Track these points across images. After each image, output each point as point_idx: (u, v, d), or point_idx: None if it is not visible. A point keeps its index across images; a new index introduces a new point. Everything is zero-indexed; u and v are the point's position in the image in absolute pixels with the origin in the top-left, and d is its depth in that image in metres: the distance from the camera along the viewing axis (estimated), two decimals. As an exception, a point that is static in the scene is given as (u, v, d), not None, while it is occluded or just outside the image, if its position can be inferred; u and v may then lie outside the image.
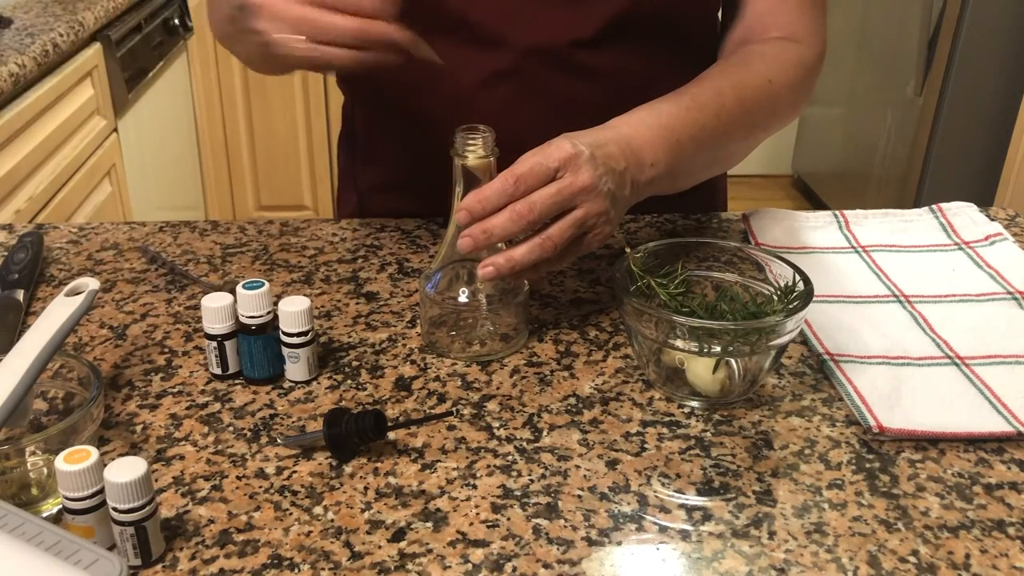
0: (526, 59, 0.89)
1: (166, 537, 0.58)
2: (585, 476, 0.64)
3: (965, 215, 0.98)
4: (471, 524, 0.60)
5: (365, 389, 0.73)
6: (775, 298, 0.72)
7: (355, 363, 0.77)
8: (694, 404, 0.71)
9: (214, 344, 0.73)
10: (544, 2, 0.88)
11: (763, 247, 0.91)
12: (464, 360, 0.77)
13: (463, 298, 0.77)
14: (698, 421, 0.70)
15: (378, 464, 0.65)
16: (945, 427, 0.68)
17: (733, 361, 0.69)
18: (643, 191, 0.78)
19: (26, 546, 0.47)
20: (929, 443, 0.68)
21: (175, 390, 0.73)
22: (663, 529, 0.60)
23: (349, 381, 0.74)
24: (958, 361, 0.75)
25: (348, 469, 0.65)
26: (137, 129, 2.20)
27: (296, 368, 0.73)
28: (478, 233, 0.72)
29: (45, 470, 0.62)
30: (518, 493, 0.62)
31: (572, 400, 0.72)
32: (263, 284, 0.72)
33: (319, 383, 0.74)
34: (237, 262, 0.93)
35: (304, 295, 0.84)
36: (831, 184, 3.36)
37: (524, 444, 0.67)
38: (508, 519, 0.60)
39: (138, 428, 0.69)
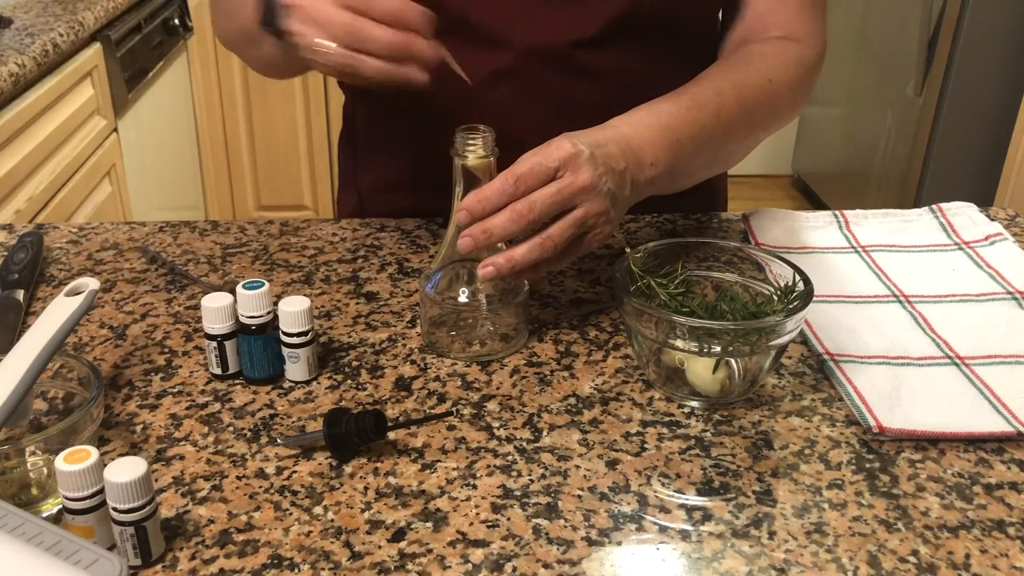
0: (526, 59, 0.89)
1: (166, 537, 0.58)
2: (585, 476, 0.64)
3: (965, 215, 0.98)
4: (471, 524, 0.60)
5: (365, 389, 0.73)
6: (775, 298, 0.72)
7: (355, 363, 0.77)
8: (694, 404, 0.71)
9: (214, 344, 0.73)
10: (544, 2, 0.88)
11: (763, 247, 0.91)
12: (464, 360, 0.77)
13: (463, 298, 0.77)
14: (698, 421, 0.70)
15: (378, 464, 0.65)
16: (945, 427, 0.68)
17: (733, 361, 0.69)
18: (643, 191, 0.78)
19: (26, 546, 0.47)
20: (929, 443, 0.68)
21: (175, 390, 0.73)
22: (663, 529, 0.60)
23: (349, 381, 0.74)
24: (958, 361, 0.75)
25: (348, 469, 0.65)
26: (137, 129, 2.20)
27: (296, 368, 0.73)
28: (478, 233, 0.72)
29: (45, 470, 0.62)
30: (518, 493, 0.62)
31: (572, 400, 0.72)
32: (263, 284, 0.72)
33: (319, 383, 0.74)
34: (237, 262, 0.93)
35: (304, 295, 0.84)
36: (831, 184, 3.36)
37: (524, 444, 0.67)
38: (508, 519, 0.60)
39: (138, 428, 0.69)
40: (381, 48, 0.71)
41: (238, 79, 2.82)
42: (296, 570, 0.56)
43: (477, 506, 0.61)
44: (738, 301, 0.73)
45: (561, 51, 0.89)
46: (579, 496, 0.62)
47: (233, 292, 0.72)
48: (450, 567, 0.57)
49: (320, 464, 0.65)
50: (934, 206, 1.00)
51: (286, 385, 0.74)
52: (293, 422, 0.70)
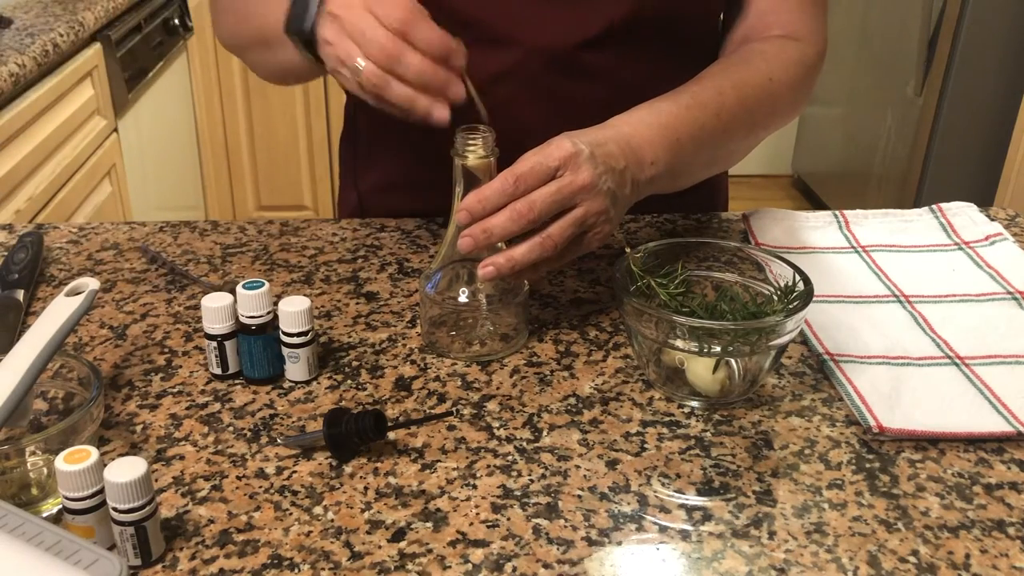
0: (529, 60, 0.89)
1: (166, 537, 0.58)
2: (585, 476, 0.64)
3: (965, 215, 0.98)
4: (471, 524, 0.60)
5: (365, 389, 0.73)
6: (775, 298, 0.72)
7: (355, 363, 0.77)
8: (694, 404, 0.71)
9: (214, 344, 0.73)
10: (548, 3, 0.88)
11: (763, 247, 0.91)
12: (464, 360, 0.77)
13: (463, 298, 0.77)
14: (698, 421, 0.70)
15: (378, 464, 0.65)
16: (945, 427, 0.68)
17: (733, 361, 0.69)
18: (643, 190, 0.78)
19: (26, 546, 0.47)
20: (929, 443, 0.67)
21: (175, 390, 0.73)
22: (663, 529, 0.60)
23: (349, 381, 0.74)
24: (958, 361, 0.75)
25: (348, 469, 0.65)
26: (137, 129, 2.20)
27: (296, 368, 0.73)
28: (478, 233, 0.72)
29: (45, 470, 0.62)
30: (518, 493, 0.62)
31: (572, 400, 0.72)
32: (263, 284, 0.72)
33: (319, 383, 0.74)
34: (237, 262, 0.93)
35: (304, 295, 0.84)
36: (831, 184, 3.36)
37: (524, 444, 0.67)
38: (508, 519, 0.60)
39: (138, 428, 0.69)
40: (413, 75, 0.70)
41: (238, 79, 2.82)
42: (296, 570, 0.56)
43: (477, 506, 0.61)
44: (738, 301, 0.73)
45: (564, 52, 0.89)
46: (579, 496, 0.62)
47: (233, 292, 0.72)
48: (450, 567, 0.57)
49: (320, 464, 0.65)
50: (934, 206, 1.00)
51: (286, 385, 0.74)
52: (293, 422, 0.70)
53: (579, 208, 0.72)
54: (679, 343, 0.69)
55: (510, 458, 0.66)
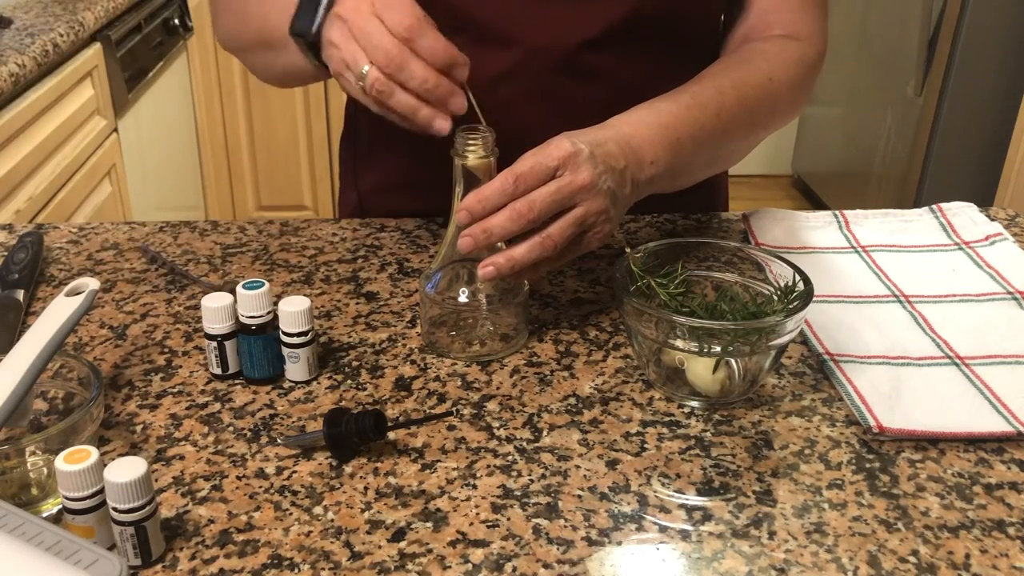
0: (530, 59, 0.89)
1: (166, 537, 0.58)
2: (585, 476, 0.64)
3: (965, 215, 0.98)
4: (471, 524, 0.60)
5: (365, 389, 0.73)
6: (775, 298, 0.72)
7: (355, 363, 0.77)
8: (694, 404, 0.71)
9: (214, 344, 0.73)
10: (549, 3, 0.88)
11: (763, 247, 0.91)
12: (464, 360, 0.77)
13: (463, 298, 0.77)
14: (698, 421, 0.70)
15: (378, 464, 0.65)
16: (945, 427, 0.68)
17: (733, 361, 0.69)
18: (643, 189, 0.78)
19: (26, 546, 0.47)
20: (929, 443, 0.68)
21: (175, 390, 0.73)
22: (663, 529, 0.60)
23: (349, 381, 0.74)
24: (958, 361, 0.75)
25: (348, 469, 0.65)
26: (137, 129, 2.20)
27: (296, 368, 0.73)
28: (478, 233, 0.72)
29: (45, 470, 0.62)
30: (518, 493, 0.62)
31: (572, 400, 0.72)
32: (263, 284, 0.72)
33: (319, 383, 0.74)
34: (237, 262, 0.93)
35: (304, 295, 0.84)
36: (831, 184, 3.36)
37: (524, 444, 0.67)
38: (508, 519, 0.60)
39: (138, 428, 0.69)
40: (416, 84, 0.70)
41: (238, 79, 2.82)
42: (296, 570, 0.56)
43: (477, 506, 0.61)
44: (738, 301, 0.73)
45: (565, 52, 0.89)
46: (579, 496, 0.62)
47: (233, 292, 0.72)
48: (450, 567, 0.57)
49: (320, 464, 0.65)
50: (934, 206, 1.00)
51: (286, 385, 0.74)
52: (293, 422, 0.70)
53: (579, 208, 0.72)
54: (679, 343, 0.69)
55: (510, 458, 0.66)
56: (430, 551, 0.58)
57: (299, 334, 0.72)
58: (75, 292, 0.68)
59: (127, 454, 0.66)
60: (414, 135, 0.75)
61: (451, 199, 0.75)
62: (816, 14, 0.93)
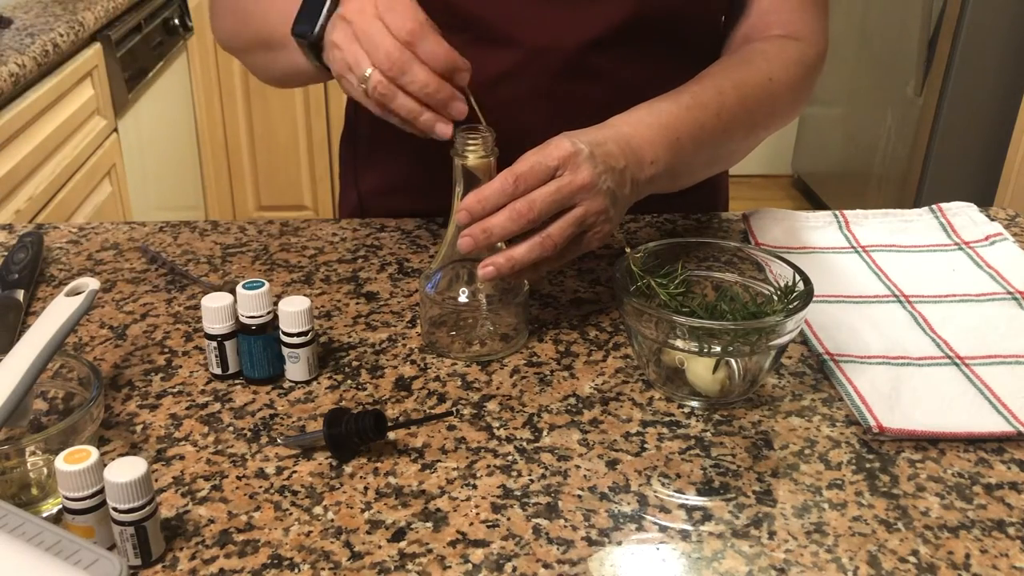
0: (532, 60, 0.89)
1: (166, 537, 0.58)
2: (585, 476, 0.64)
3: (965, 215, 0.98)
4: (471, 524, 0.60)
5: (365, 389, 0.73)
6: (775, 298, 0.72)
7: (355, 363, 0.77)
8: (694, 404, 0.71)
9: (214, 344, 0.73)
10: (550, 4, 0.88)
11: (763, 247, 0.91)
12: (464, 360, 0.77)
13: (463, 298, 0.77)
14: (698, 421, 0.70)
15: (378, 464, 0.65)
16: (945, 427, 0.68)
17: (733, 361, 0.69)
18: (643, 189, 0.78)
19: (26, 546, 0.47)
20: (929, 443, 0.68)
21: (175, 390, 0.73)
22: (663, 529, 0.60)
23: (349, 381, 0.74)
24: (958, 361, 0.75)
25: (348, 469, 0.65)
26: (137, 129, 2.20)
27: (296, 368, 0.73)
28: (478, 233, 0.72)
29: (45, 470, 0.62)
30: (518, 493, 0.62)
31: (572, 400, 0.72)
32: (263, 284, 0.72)
33: (319, 383, 0.74)
34: (237, 262, 0.93)
35: (304, 295, 0.84)
36: (831, 184, 3.36)
37: (524, 444, 0.67)
38: (508, 519, 0.60)
39: (138, 428, 0.69)
40: (417, 88, 0.70)
41: (238, 79, 2.82)
42: (296, 570, 0.56)
43: (477, 506, 0.61)
44: (738, 301, 0.73)
45: (566, 52, 0.89)
46: (579, 496, 0.62)
47: (233, 292, 0.72)
48: (450, 567, 0.57)
49: (320, 464, 0.65)
50: (934, 206, 1.00)
51: (286, 385, 0.74)
52: (293, 422, 0.70)
53: (579, 208, 0.72)
54: (679, 343, 0.69)
55: (510, 458, 0.66)
56: (430, 551, 0.58)
57: (299, 334, 0.72)
58: (75, 292, 0.68)
59: (127, 454, 0.66)
60: (414, 136, 0.75)
61: (451, 199, 0.75)
62: (816, 14, 0.93)
